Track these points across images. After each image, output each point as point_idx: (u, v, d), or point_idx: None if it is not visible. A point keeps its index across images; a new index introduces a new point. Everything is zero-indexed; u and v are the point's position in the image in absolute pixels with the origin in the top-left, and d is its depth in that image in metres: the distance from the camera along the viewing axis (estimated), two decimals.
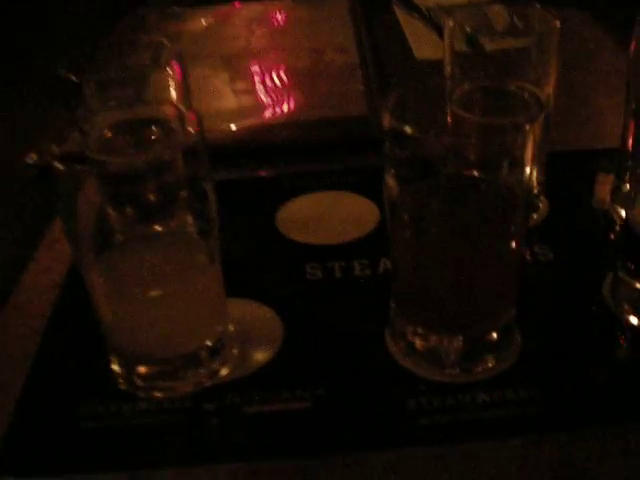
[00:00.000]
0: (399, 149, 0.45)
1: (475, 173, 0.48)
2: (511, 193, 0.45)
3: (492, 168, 0.46)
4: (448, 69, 0.62)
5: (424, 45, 1.01)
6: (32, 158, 0.77)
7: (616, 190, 0.65)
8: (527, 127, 0.43)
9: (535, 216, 0.64)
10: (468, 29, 0.62)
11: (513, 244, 0.47)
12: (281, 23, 1.11)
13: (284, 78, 0.91)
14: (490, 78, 0.61)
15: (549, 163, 0.63)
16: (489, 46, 0.62)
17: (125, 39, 0.66)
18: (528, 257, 0.59)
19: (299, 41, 1.02)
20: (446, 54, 0.62)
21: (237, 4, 1.18)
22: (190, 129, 0.47)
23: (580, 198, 0.67)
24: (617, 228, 0.62)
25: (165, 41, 0.61)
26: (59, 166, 0.42)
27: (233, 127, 0.80)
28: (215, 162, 0.47)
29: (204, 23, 1.10)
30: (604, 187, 0.67)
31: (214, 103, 0.85)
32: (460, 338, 0.48)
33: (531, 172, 0.45)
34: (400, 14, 1.13)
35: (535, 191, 0.64)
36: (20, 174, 0.75)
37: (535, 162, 0.62)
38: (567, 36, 1.02)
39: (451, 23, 0.62)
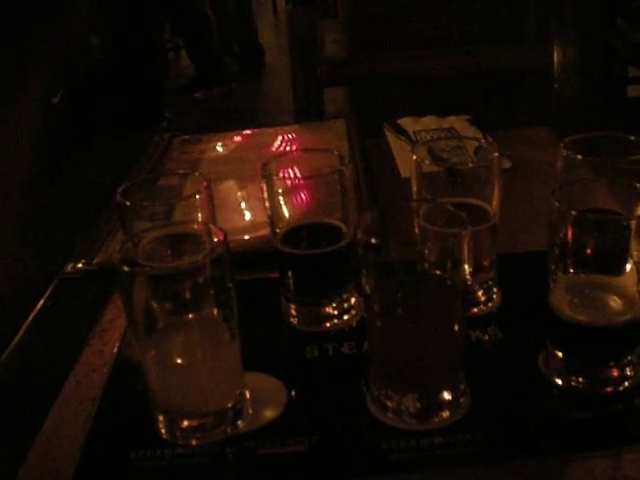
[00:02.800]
0: (370, 255, 0.62)
1: (435, 271, 0.64)
2: (452, 285, 0.62)
3: (440, 266, 0.63)
4: (414, 188, 0.80)
5: (409, 165, 1.19)
6: (80, 264, 0.95)
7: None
8: (462, 234, 0.60)
9: (490, 305, 0.80)
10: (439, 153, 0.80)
11: (455, 325, 0.63)
12: (287, 147, 1.30)
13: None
14: (450, 195, 0.78)
15: (500, 262, 0.80)
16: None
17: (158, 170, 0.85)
18: (485, 337, 0.75)
19: (303, 161, 1.20)
20: (413, 174, 0.80)
21: (248, 131, 1.38)
22: (216, 241, 0.64)
23: (525, 290, 0.82)
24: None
25: (196, 174, 0.79)
26: (125, 268, 0.58)
27: (247, 237, 0.97)
28: (235, 266, 0.63)
29: (221, 149, 1.29)
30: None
31: (233, 218, 1.02)
32: (415, 396, 0.63)
33: (465, 269, 0.62)
34: (390, 137, 1.32)
35: (490, 283, 0.80)
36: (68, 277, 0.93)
37: (483, 261, 0.78)
38: (535, 152, 1.21)
39: (419, 151, 0.80)
